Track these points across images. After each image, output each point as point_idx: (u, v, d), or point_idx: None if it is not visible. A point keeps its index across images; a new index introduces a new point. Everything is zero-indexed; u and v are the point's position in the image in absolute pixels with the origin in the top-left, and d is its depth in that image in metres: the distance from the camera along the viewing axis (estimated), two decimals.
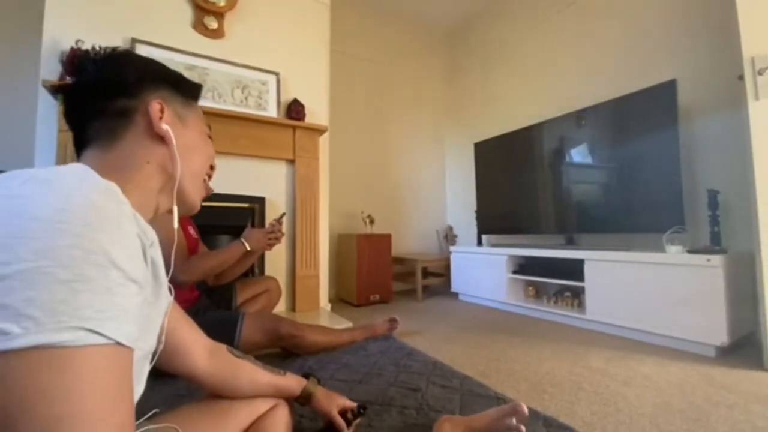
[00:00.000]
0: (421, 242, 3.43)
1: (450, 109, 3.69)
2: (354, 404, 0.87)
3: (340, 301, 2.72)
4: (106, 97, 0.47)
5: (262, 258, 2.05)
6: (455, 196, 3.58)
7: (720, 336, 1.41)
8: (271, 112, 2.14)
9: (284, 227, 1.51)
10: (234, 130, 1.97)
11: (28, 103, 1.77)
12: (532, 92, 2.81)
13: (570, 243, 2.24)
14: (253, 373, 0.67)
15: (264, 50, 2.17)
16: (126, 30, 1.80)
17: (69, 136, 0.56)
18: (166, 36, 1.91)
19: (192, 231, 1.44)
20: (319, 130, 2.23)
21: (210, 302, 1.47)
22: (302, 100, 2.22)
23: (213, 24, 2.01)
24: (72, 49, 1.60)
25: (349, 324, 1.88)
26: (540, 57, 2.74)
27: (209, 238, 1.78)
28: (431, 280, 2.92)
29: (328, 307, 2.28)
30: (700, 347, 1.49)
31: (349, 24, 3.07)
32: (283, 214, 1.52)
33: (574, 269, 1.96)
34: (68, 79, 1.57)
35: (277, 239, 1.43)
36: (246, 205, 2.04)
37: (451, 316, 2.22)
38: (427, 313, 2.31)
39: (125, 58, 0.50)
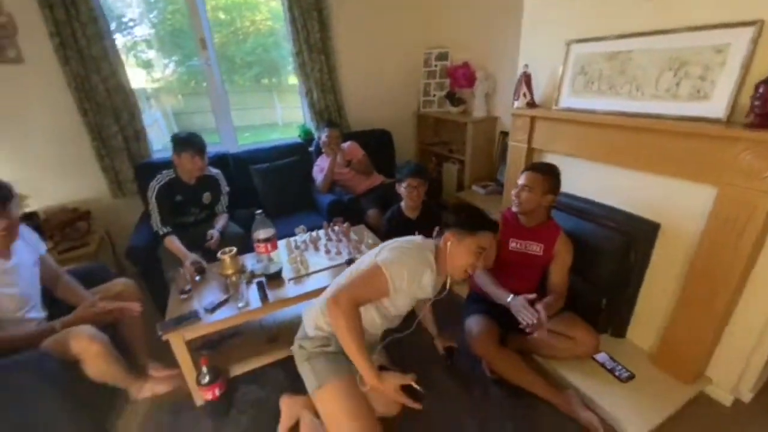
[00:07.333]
0: None
1: None
2: None
3: None
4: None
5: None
6: None
7: None
8: (715, 101, 1.30)
9: None
10: (637, 139, 1.53)
11: None
12: None
13: None
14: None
15: None
16: (565, 34, 1.80)
17: None
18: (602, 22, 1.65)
19: (516, 244, 1.68)
20: None
21: None
22: None
23: None
24: (524, 72, 1.98)
25: None
26: None
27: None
28: None
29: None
30: None
31: None
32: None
33: None
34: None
35: None
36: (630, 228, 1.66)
37: None
38: None
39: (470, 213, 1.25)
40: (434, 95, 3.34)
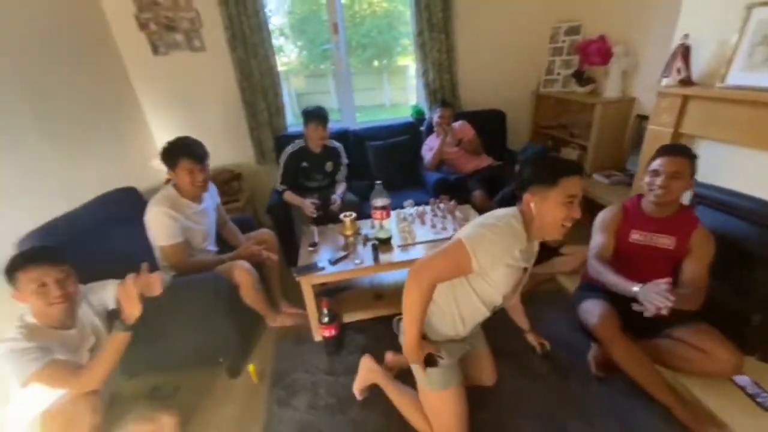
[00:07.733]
0: None
1: None
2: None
3: None
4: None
5: None
6: None
7: None
8: None
9: None
10: None
11: None
12: None
13: None
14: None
15: None
16: None
17: None
18: None
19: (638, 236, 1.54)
20: None
21: None
22: None
23: None
24: (681, 44, 1.72)
25: None
26: None
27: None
28: None
29: None
30: None
31: None
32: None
33: None
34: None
35: None
36: None
37: None
38: None
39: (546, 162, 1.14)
40: (558, 74, 3.08)
